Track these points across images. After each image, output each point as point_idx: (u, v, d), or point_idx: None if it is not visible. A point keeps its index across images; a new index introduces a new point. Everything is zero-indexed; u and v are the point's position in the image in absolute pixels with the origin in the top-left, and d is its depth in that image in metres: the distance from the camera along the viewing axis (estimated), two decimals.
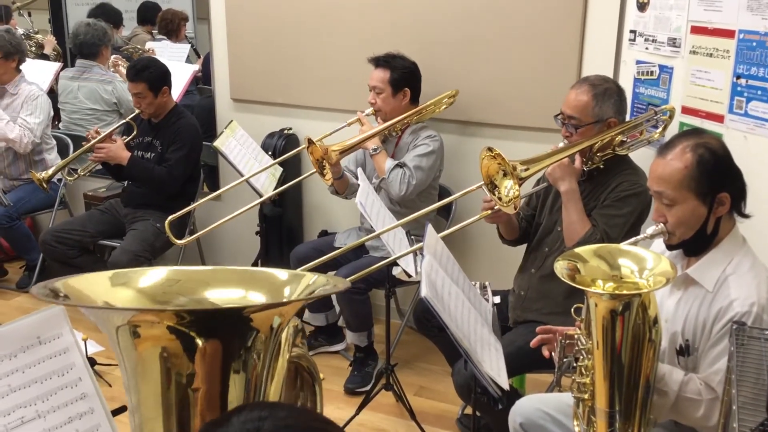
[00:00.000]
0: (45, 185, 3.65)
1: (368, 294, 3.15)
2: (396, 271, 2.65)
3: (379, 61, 3.12)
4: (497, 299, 2.26)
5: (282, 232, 3.79)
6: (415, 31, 3.33)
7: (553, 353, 1.86)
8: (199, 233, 3.40)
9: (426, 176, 3.12)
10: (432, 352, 3.05)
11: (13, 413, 1.34)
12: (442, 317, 1.67)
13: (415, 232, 2.84)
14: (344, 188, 3.23)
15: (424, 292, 1.63)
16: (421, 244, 2.05)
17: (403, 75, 3.12)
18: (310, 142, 2.94)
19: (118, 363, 1.16)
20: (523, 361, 2.35)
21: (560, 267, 1.67)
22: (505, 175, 2.28)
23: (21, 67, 4.04)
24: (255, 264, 3.81)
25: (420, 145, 3.12)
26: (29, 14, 6.00)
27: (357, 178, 3.28)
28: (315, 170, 3.03)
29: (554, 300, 2.49)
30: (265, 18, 3.63)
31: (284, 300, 1.19)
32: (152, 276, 1.27)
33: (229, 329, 1.09)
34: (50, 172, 3.67)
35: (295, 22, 3.57)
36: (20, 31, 4.99)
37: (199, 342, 1.07)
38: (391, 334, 2.94)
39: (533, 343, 1.89)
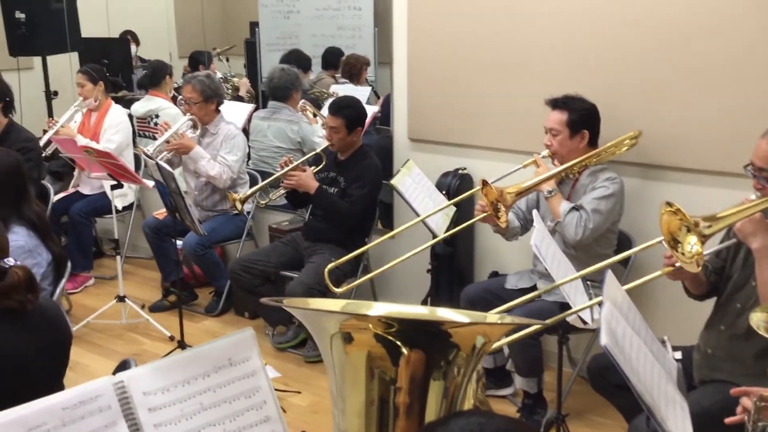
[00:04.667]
0: (240, 206, 3.90)
1: (540, 339, 3.08)
2: (570, 318, 2.56)
3: (556, 103, 3.08)
4: (678, 355, 2.12)
5: (452, 271, 3.80)
6: (595, 71, 3.26)
7: (745, 417, 1.71)
8: (359, 280, 3.45)
9: (604, 220, 3.01)
10: (606, 405, 2.90)
11: (202, 431, 1.44)
12: (623, 368, 1.58)
13: (590, 277, 2.74)
14: (507, 229, 3.18)
15: (604, 340, 1.56)
16: (600, 298, 1.98)
17: (581, 117, 3.05)
18: (484, 183, 2.93)
19: (328, 373, 1.25)
20: (710, 424, 2.17)
21: (757, 319, 1.54)
22: (688, 231, 2.15)
23: (219, 108, 4.39)
24: (424, 302, 3.84)
25: (599, 188, 3.03)
26: (227, 59, 6.55)
27: (518, 220, 3.25)
28: (488, 214, 3.01)
29: (745, 362, 2.29)
30: (444, 61, 3.71)
31: (483, 321, 1.23)
32: (378, 308, 1.34)
33: (430, 341, 1.16)
34: (248, 193, 3.94)
35: (474, 65, 3.62)
36: (219, 74, 5.45)
37: (404, 350, 1.15)
38: (562, 382, 2.84)
39: (738, 413, 1.74)
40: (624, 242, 3.22)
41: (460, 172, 3.75)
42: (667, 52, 3.07)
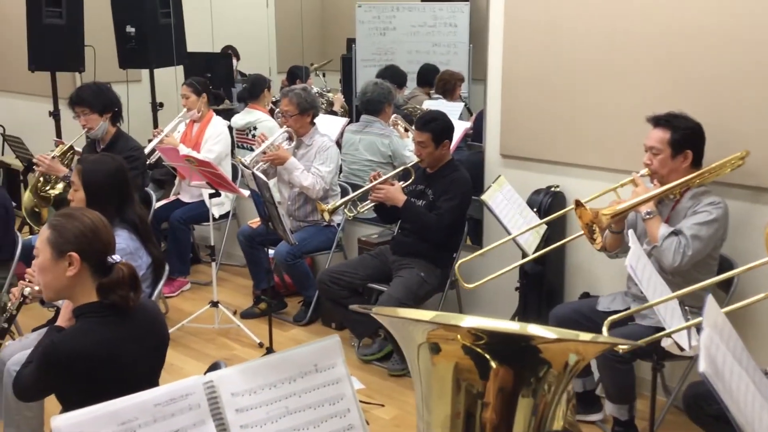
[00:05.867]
0: (328, 216, 3.97)
1: (632, 364, 2.97)
2: (666, 343, 2.46)
3: (659, 121, 2.97)
4: None
5: (542, 290, 3.73)
6: (700, 88, 3.14)
7: None
8: (488, 278, 3.35)
9: (704, 246, 2.88)
10: None
11: None
12: (722, 397, 1.50)
13: (689, 303, 2.62)
14: (616, 246, 3.08)
15: (703, 367, 1.49)
16: (699, 319, 1.89)
17: (684, 136, 2.93)
18: (578, 204, 2.86)
19: (414, 383, 1.24)
20: None
21: None
22: None
23: (314, 121, 4.48)
24: (512, 321, 3.78)
25: (701, 212, 2.89)
26: (324, 75, 6.70)
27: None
28: (583, 233, 2.93)
29: None
30: (539, 78, 3.66)
31: (575, 338, 1.19)
32: (467, 320, 1.32)
33: (520, 356, 1.14)
34: (336, 204, 4.00)
35: (569, 81, 3.55)
36: (315, 89, 5.57)
37: (492, 364, 1.13)
38: (656, 411, 2.73)
39: None
40: (726, 269, 3.05)
41: (552, 189, 3.68)
42: None
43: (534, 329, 1.28)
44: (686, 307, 2.53)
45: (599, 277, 3.61)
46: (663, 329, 2.40)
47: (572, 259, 3.74)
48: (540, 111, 3.69)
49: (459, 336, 1.13)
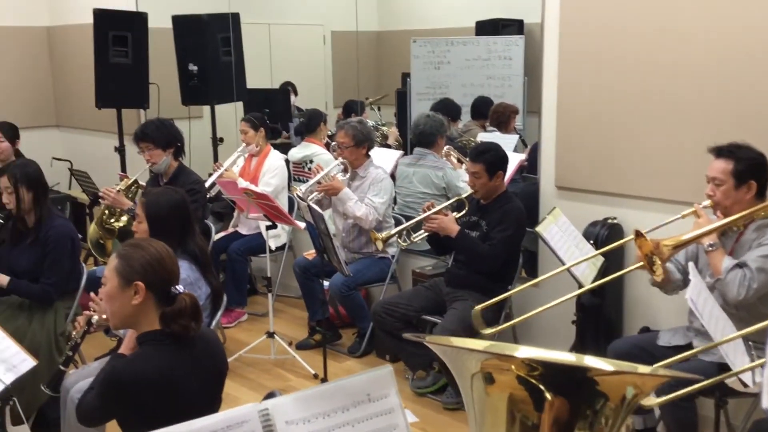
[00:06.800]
0: (381, 245, 3.99)
1: (695, 401, 2.88)
2: (729, 379, 2.38)
3: (721, 152, 2.92)
4: None
5: (599, 323, 3.66)
6: (763, 119, 3.07)
7: None
8: (502, 325, 3.29)
9: None
10: None
11: None
12: None
13: (753, 338, 2.55)
14: (667, 282, 3.02)
15: (765, 403, 1.45)
16: (763, 360, 1.83)
17: (748, 166, 2.86)
18: (638, 234, 2.81)
19: (468, 413, 1.24)
20: None
21: None
22: None
23: (369, 153, 4.53)
24: None
25: (766, 244, 2.82)
26: (379, 108, 6.78)
27: (679, 272, 3.07)
28: (642, 264, 2.88)
29: None
30: (595, 109, 3.64)
31: (633, 371, 1.17)
32: (522, 351, 1.32)
33: (576, 388, 1.12)
34: (390, 233, 4.02)
35: (626, 112, 3.52)
36: (370, 122, 5.64)
37: (547, 395, 1.11)
38: None
39: None
40: None
41: (609, 221, 3.63)
42: None
43: (590, 361, 1.26)
44: (750, 343, 2.46)
45: (659, 310, 3.53)
46: (726, 364, 2.33)
47: (631, 293, 3.67)
48: (596, 142, 3.66)
49: (513, 366, 1.12)
